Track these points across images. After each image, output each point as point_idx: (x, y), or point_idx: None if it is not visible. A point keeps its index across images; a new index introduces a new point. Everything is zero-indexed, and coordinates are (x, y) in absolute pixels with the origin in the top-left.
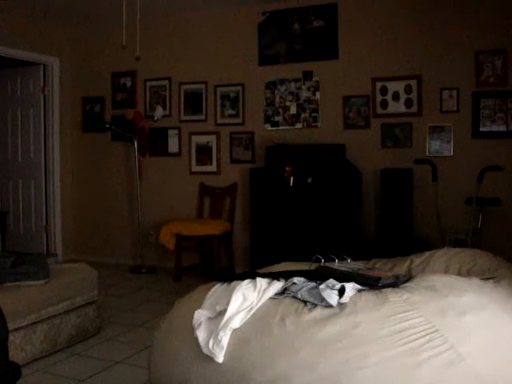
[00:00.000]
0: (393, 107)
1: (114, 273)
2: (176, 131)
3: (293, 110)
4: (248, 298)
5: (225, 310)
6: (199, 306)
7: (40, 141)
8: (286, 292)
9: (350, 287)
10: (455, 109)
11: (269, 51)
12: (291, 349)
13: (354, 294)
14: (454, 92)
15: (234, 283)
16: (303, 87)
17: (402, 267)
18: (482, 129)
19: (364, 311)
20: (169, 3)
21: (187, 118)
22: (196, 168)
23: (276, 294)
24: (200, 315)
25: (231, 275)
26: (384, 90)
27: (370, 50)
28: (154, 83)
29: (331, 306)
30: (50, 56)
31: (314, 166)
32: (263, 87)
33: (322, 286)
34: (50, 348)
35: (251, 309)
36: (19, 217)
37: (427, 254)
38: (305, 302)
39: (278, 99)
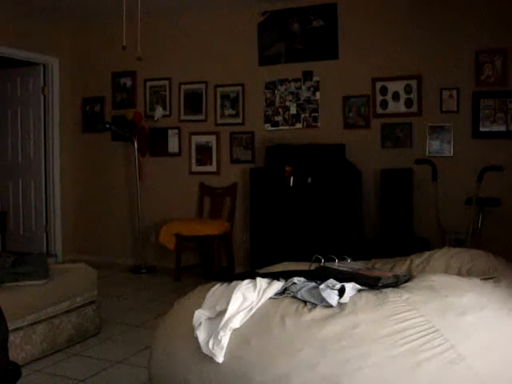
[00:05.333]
0: (393, 107)
1: (114, 273)
2: (176, 131)
3: (293, 110)
4: (248, 298)
5: (225, 310)
6: (199, 306)
7: (40, 141)
8: (286, 292)
9: (350, 287)
10: (455, 109)
11: (269, 51)
12: (291, 349)
13: (354, 294)
14: (454, 92)
15: (233, 283)
16: (303, 87)
17: (401, 267)
18: (481, 129)
19: (364, 311)
20: (169, 3)
21: (187, 118)
22: (196, 168)
23: (276, 294)
24: (200, 315)
25: (231, 275)
26: (384, 90)
27: (369, 50)
28: (154, 83)
29: (331, 306)
30: (50, 56)
31: (313, 166)
32: (263, 87)
33: (321, 286)
34: (49, 348)
35: (251, 309)
36: (19, 217)
37: (427, 253)
38: (305, 302)
39: (278, 99)
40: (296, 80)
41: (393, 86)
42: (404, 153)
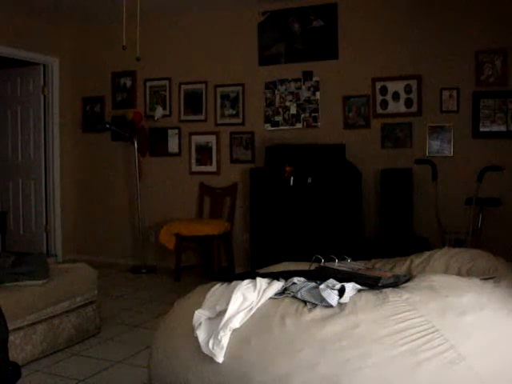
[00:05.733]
0: (393, 107)
1: (113, 273)
2: (176, 131)
3: (293, 110)
4: (248, 298)
5: (225, 310)
6: (199, 306)
7: (40, 141)
8: (286, 292)
9: (350, 287)
10: (455, 109)
11: (269, 51)
12: (291, 349)
13: (354, 294)
14: (454, 92)
15: (233, 283)
16: (303, 87)
17: (401, 267)
18: (481, 129)
19: (364, 311)
20: (169, 3)
21: (187, 118)
22: (196, 168)
23: (276, 294)
24: (200, 315)
25: (231, 275)
26: (384, 90)
27: (370, 50)
28: (154, 83)
29: (331, 306)
30: (50, 56)
31: (314, 166)
32: (263, 87)
33: (322, 286)
34: (49, 348)
35: (251, 309)
36: (19, 217)
37: (427, 254)
38: (305, 302)
39: (278, 99)
40: (296, 80)
41: (393, 86)
42: (404, 153)
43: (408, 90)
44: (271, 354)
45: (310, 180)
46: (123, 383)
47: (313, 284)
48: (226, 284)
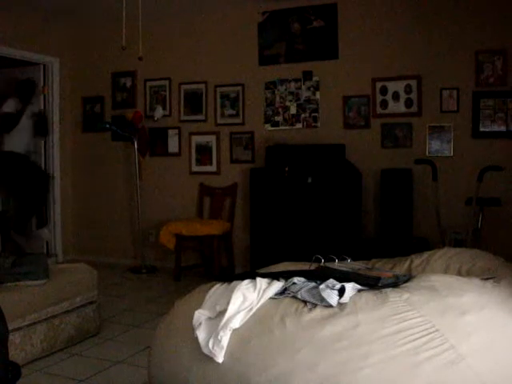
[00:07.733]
0: (393, 107)
1: (114, 273)
2: (176, 131)
3: (293, 110)
4: (248, 298)
5: (225, 310)
6: (199, 306)
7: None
8: (286, 292)
9: (350, 287)
10: (455, 109)
11: (269, 51)
12: (291, 349)
13: (354, 294)
14: (454, 92)
15: (233, 283)
16: (303, 87)
17: (402, 267)
18: (481, 129)
19: (364, 311)
20: (169, 3)
21: (187, 118)
22: (196, 168)
23: (276, 294)
24: (200, 315)
25: (231, 275)
26: (384, 90)
27: (370, 50)
28: (154, 83)
29: (331, 306)
30: (50, 56)
31: (314, 166)
32: (263, 87)
33: (321, 286)
34: (49, 348)
35: (251, 309)
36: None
37: (427, 254)
38: (305, 302)
39: (278, 99)
40: (296, 80)
41: (393, 86)
42: (404, 153)
43: (408, 90)
44: (271, 353)
45: (310, 180)
46: (123, 383)
47: (313, 284)
48: (226, 284)
